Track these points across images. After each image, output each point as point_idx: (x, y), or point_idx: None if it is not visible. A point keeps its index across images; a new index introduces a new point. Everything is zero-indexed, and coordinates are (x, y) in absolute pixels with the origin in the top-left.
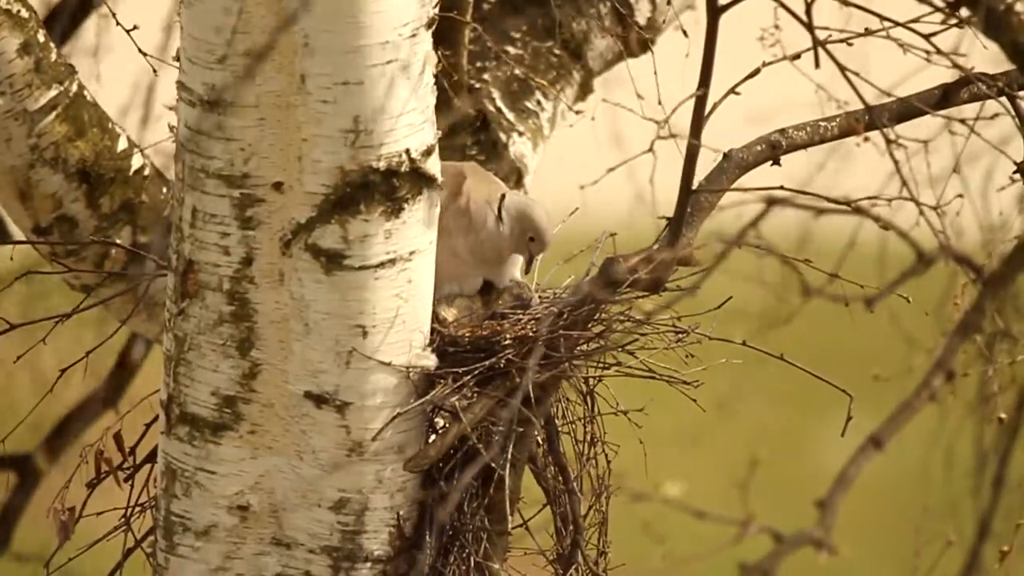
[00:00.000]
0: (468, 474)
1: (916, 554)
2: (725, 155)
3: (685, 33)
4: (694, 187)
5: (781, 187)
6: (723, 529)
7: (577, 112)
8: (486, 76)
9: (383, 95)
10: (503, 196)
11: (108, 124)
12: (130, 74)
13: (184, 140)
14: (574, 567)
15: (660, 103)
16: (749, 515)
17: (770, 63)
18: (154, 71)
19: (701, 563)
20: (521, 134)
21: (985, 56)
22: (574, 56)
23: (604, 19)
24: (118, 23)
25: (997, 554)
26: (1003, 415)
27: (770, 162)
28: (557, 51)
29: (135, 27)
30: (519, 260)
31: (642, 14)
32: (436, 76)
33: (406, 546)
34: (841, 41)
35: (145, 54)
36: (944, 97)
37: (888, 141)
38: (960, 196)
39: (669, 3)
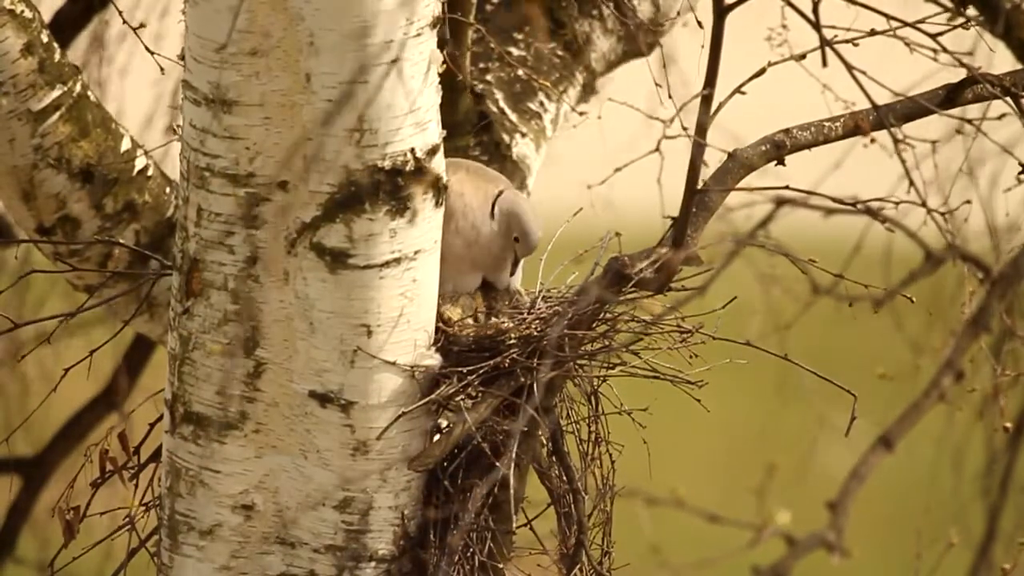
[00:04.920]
0: (479, 494)
1: (918, 556)
2: (730, 155)
3: (701, 24)
4: (699, 187)
5: (787, 187)
6: (726, 532)
7: (581, 114)
8: (489, 77)
9: (388, 94)
10: (499, 194)
11: (112, 124)
12: (153, 84)
13: (189, 139)
14: (578, 567)
15: (671, 98)
16: (765, 518)
17: (776, 63)
18: (161, 70)
19: (711, 567)
20: (524, 135)
21: (997, 62)
22: (576, 57)
23: (607, 20)
24: (124, 21)
25: (1003, 558)
26: (1008, 424)
27: (774, 162)
28: (560, 52)
29: (142, 25)
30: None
31: (644, 15)
32: (440, 76)
33: (410, 545)
34: (848, 41)
35: (152, 52)
36: (948, 97)
37: (896, 141)
38: (968, 203)
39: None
